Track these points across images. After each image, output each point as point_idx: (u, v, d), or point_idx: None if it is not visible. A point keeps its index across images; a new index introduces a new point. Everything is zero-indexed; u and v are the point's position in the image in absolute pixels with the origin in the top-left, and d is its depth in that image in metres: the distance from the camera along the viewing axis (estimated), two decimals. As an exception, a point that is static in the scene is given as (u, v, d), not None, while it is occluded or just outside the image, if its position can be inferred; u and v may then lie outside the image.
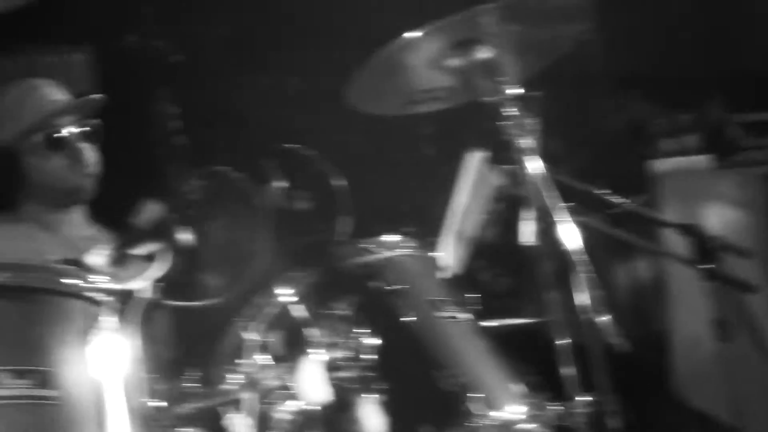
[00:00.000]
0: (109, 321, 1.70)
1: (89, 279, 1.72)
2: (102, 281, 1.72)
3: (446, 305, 2.12)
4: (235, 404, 1.88)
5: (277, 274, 2.02)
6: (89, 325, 1.68)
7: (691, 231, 2.88)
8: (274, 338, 1.96)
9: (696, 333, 3.59)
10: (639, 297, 3.87)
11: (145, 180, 2.86)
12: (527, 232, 2.50)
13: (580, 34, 2.51)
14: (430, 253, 2.33)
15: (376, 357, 1.95)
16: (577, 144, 3.69)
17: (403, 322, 2.05)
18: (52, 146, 2.66)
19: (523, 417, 2.00)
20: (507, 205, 2.79)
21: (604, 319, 2.30)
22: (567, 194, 2.34)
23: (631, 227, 3.28)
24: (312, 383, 1.89)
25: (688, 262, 2.89)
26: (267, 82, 3.58)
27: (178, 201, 2.01)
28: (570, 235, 2.25)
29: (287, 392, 1.89)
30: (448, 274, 2.32)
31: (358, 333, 1.96)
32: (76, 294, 1.70)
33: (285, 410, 1.89)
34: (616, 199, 3.02)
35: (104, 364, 1.66)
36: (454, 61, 2.41)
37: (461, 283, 2.34)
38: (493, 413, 1.97)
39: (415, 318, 2.07)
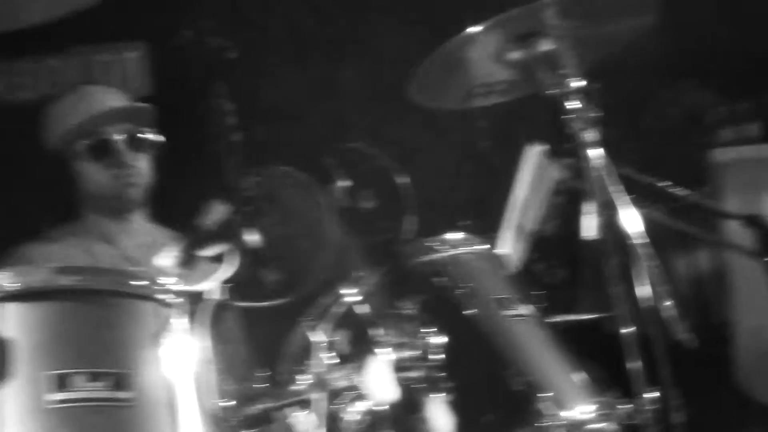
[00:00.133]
0: (179, 323, 1.70)
1: (159, 281, 1.73)
2: (172, 283, 1.73)
3: (513, 303, 2.11)
4: (304, 404, 1.88)
5: (342, 273, 2.02)
6: (161, 327, 1.69)
7: (754, 222, 2.83)
8: (341, 338, 1.95)
9: (760, 325, 3.54)
10: (702, 289, 3.81)
11: (203, 179, 2.88)
12: (589, 225, 2.47)
13: (642, 26, 2.47)
14: (495, 250, 2.31)
15: (443, 356, 1.94)
16: (637, 135, 3.64)
17: (470, 320, 2.03)
18: (96, 152, 2.64)
19: (593, 416, 1.98)
20: (567, 199, 2.77)
21: (669, 312, 2.27)
22: (629, 186, 2.32)
23: (693, 219, 3.24)
24: (379, 383, 1.88)
25: (751, 254, 2.84)
26: (321, 76, 3.57)
27: (237, 199, 2.01)
28: (633, 227, 2.22)
29: (355, 392, 1.89)
30: (512, 271, 2.30)
31: (425, 332, 1.95)
32: (147, 296, 1.72)
33: (353, 410, 1.88)
34: (678, 191, 2.98)
35: (176, 365, 1.67)
36: (516, 54, 2.40)
37: (525, 280, 2.32)
38: (562, 413, 1.95)
39: (481, 316, 2.06)
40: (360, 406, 1.86)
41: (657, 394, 2.08)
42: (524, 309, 2.12)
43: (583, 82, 2.32)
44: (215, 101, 2.83)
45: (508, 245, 2.55)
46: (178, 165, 2.81)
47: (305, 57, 3.53)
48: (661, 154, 3.67)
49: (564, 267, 3.28)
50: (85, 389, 1.61)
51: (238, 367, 2.33)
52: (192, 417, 1.66)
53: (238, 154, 2.71)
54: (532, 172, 2.70)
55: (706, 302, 3.79)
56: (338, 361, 1.93)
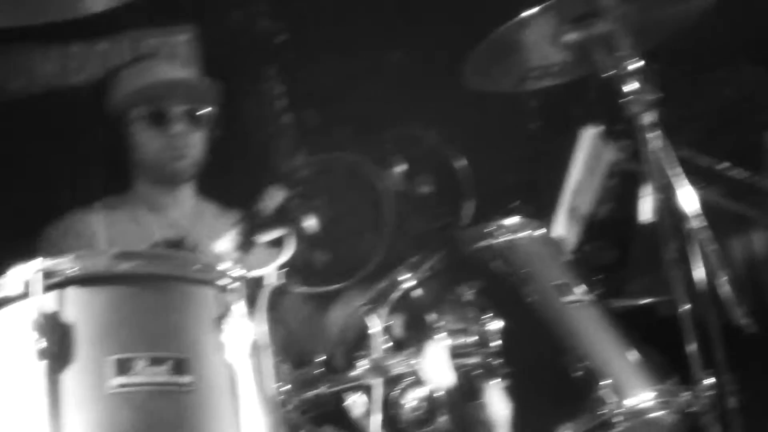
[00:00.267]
0: (239, 307, 1.71)
1: (219, 266, 1.73)
2: (231, 268, 1.73)
3: (571, 288, 2.08)
4: (361, 390, 1.87)
5: (400, 259, 2.01)
6: (221, 311, 1.69)
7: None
8: (398, 324, 1.94)
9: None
10: (758, 272, 3.75)
11: (254, 161, 2.88)
12: (646, 208, 2.44)
13: (699, 7, 2.43)
14: (551, 234, 2.29)
15: (501, 342, 1.92)
16: (693, 117, 3.57)
17: (529, 306, 2.02)
18: (152, 120, 2.68)
19: (653, 404, 1.95)
20: (621, 181, 2.73)
21: (727, 296, 2.24)
22: (686, 168, 2.28)
23: (750, 200, 3.18)
24: (437, 369, 1.87)
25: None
26: (372, 59, 3.55)
27: (294, 184, 2.01)
28: (690, 210, 2.19)
29: (413, 378, 1.88)
30: (569, 256, 2.28)
31: (482, 318, 1.93)
32: (207, 281, 1.72)
33: (411, 396, 1.87)
34: (734, 173, 2.94)
35: (235, 350, 1.67)
36: (572, 37, 2.37)
37: (584, 264, 2.30)
38: (622, 400, 1.93)
39: (539, 302, 2.04)
40: (418, 393, 1.85)
41: (713, 379, 2.05)
42: (582, 294, 2.10)
43: (641, 64, 2.29)
44: (265, 84, 2.84)
45: (562, 228, 2.53)
46: (228, 148, 2.82)
47: (356, 39, 3.50)
48: (717, 135, 3.61)
49: (617, 250, 3.24)
50: (145, 373, 1.61)
51: (295, 352, 2.34)
52: (251, 402, 1.66)
53: (288, 136, 2.71)
54: (587, 154, 2.67)
55: (763, 285, 3.72)
56: (394, 346, 1.92)
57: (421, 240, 2.05)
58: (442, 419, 1.85)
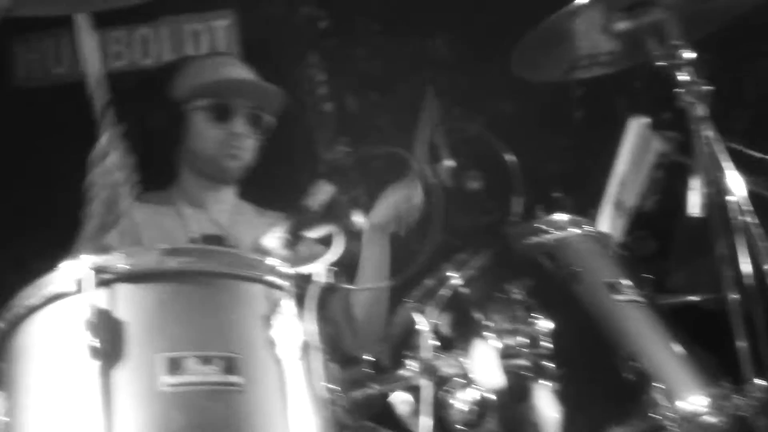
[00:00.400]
0: (289, 306, 1.69)
1: (269, 264, 1.71)
2: (281, 265, 1.71)
3: (623, 287, 2.04)
4: (410, 390, 1.85)
5: (448, 256, 1.98)
6: (271, 310, 1.67)
7: None
8: (447, 323, 1.92)
9: None
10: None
11: (297, 152, 2.86)
12: (694, 201, 2.39)
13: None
14: (602, 231, 2.25)
15: (551, 343, 1.89)
16: (743, 107, 3.51)
17: (580, 306, 1.98)
18: (214, 113, 2.66)
19: (708, 408, 1.91)
20: (668, 173, 2.68)
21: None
22: (736, 161, 2.23)
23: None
24: (486, 370, 1.84)
25: None
26: (414, 46, 3.51)
27: (336, 176, 1.98)
28: (740, 203, 2.15)
29: (462, 379, 1.85)
30: (620, 253, 2.24)
31: (532, 318, 1.90)
32: (257, 279, 1.70)
33: (460, 397, 1.85)
34: (784, 164, 2.87)
35: (286, 349, 1.65)
36: (623, 25, 2.32)
37: (627, 257, 2.26)
38: (675, 404, 1.90)
39: (591, 301, 2.00)
40: (468, 394, 1.83)
41: (763, 381, 2.01)
42: (635, 293, 2.06)
43: (694, 54, 2.24)
44: (307, 71, 2.81)
45: (608, 222, 2.49)
46: (271, 143, 2.79)
47: (398, 26, 3.46)
48: (765, 126, 3.54)
49: (659, 241, 3.19)
50: (197, 373, 1.60)
51: (343, 351, 2.33)
52: (302, 401, 1.64)
53: (330, 124, 2.68)
54: (634, 145, 2.62)
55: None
56: (442, 345, 1.89)
57: (470, 236, 2.01)
58: (491, 421, 1.82)
